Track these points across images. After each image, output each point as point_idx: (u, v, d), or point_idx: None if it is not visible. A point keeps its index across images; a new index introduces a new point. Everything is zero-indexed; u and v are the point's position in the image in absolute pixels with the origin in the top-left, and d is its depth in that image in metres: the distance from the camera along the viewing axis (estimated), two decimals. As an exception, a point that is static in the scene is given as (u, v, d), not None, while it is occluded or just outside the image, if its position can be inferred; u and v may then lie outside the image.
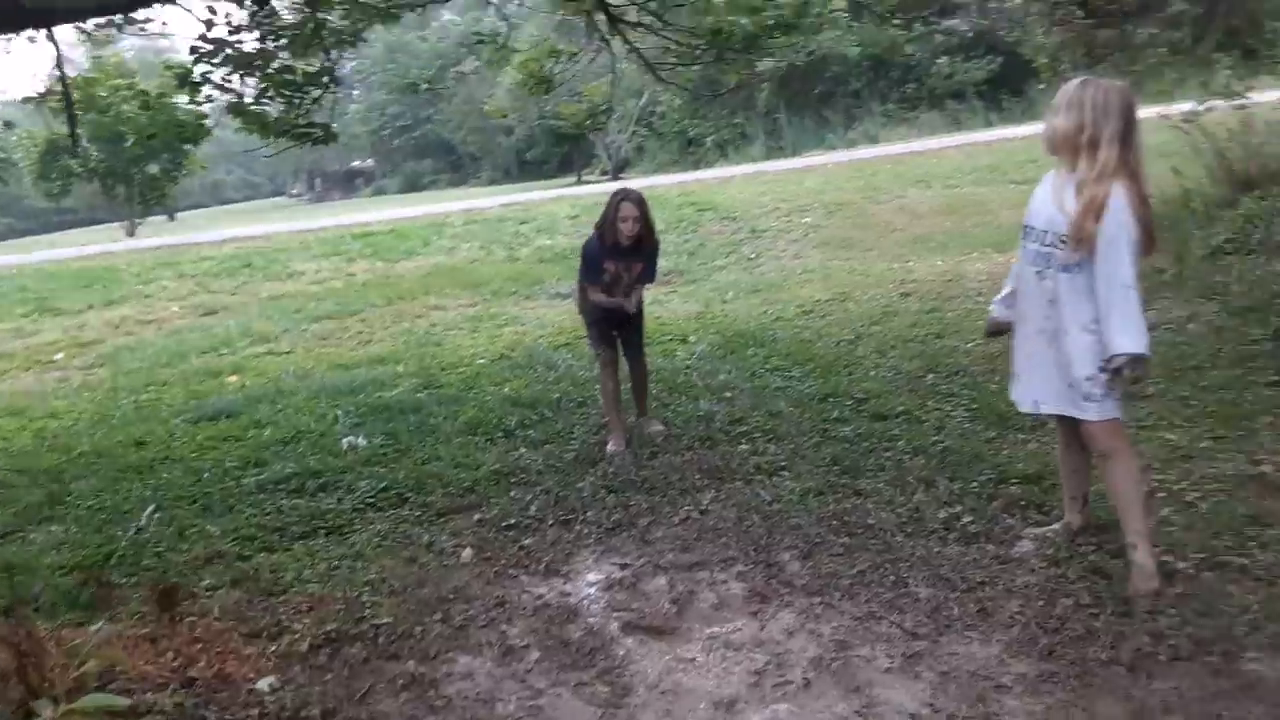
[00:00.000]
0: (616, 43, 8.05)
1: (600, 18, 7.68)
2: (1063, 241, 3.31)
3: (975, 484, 4.34)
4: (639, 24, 7.76)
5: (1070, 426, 3.60)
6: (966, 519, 4.04)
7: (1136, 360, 3.21)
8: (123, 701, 2.49)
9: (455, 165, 49.58)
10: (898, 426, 5.20)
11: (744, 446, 5.17)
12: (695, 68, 8.44)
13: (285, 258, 13.17)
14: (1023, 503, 4.13)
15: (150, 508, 4.84)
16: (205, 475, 5.42)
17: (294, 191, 63.09)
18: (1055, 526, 3.81)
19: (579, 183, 29.31)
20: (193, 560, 4.27)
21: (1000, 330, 3.85)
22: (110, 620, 3.02)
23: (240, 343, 9.36)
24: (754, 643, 3.39)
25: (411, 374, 7.47)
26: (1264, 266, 6.77)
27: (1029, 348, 3.56)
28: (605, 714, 3.06)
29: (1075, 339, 3.32)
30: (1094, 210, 3.20)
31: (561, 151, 35.84)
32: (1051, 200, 3.39)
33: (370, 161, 54.81)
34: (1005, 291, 3.76)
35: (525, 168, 39.21)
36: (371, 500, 4.91)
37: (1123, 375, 3.26)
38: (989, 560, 3.71)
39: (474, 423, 5.96)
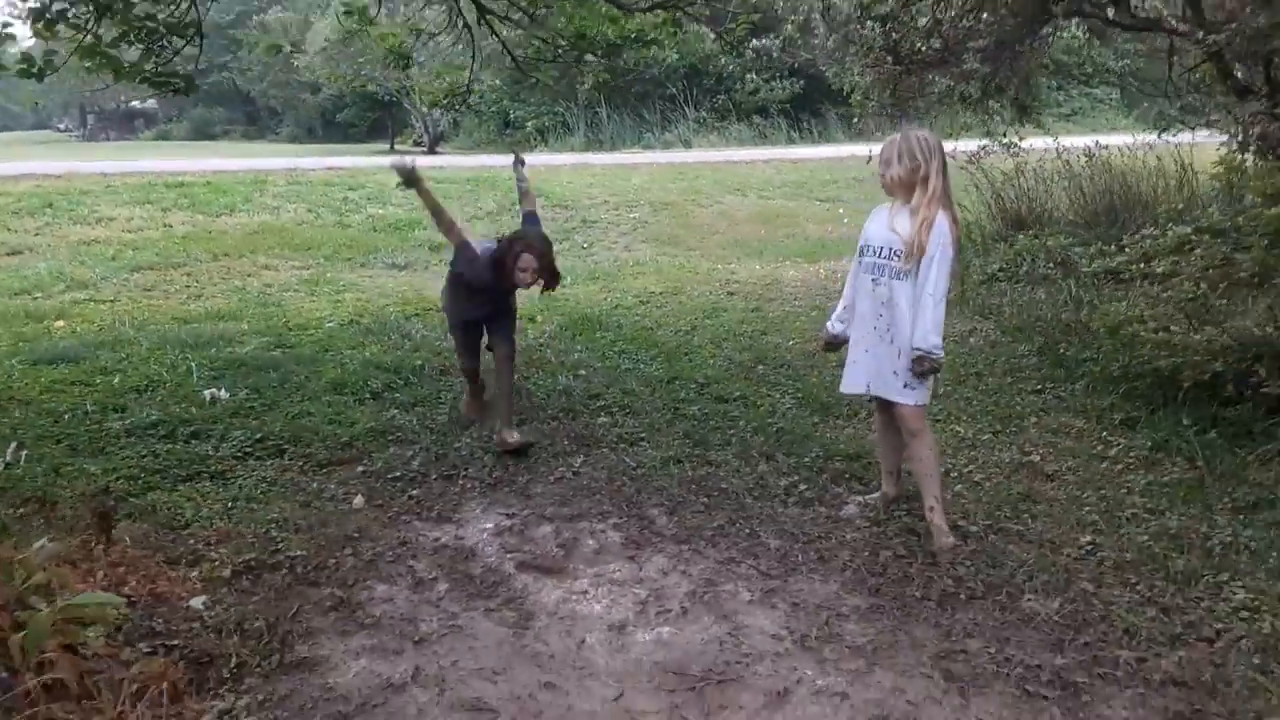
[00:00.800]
0: (481, 29, 8.34)
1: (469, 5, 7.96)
2: (896, 255, 4.09)
3: (807, 459, 5.10)
4: (507, 18, 8.10)
5: (888, 411, 4.40)
6: (803, 487, 4.79)
7: (929, 356, 4.03)
8: (119, 600, 2.70)
9: (251, 117, 46.94)
10: (737, 409, 5.91)
11: (604, 419, 5.72)
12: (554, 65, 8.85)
13: (91, 201, 12.38)
14: (847, 475, 4.93)
15: (14, 444, 4.77)
16: (66, 417, 5.34)
17: (62, 126, 57.43)
18: (875, 495, 4.62)
19: (391, 150, 28.75)
20: (80, 496, 4.31)
21: (836, 345, 4.58)
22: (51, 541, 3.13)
23: (55, 287, 8.89)
24: (634, 580, 3.95)
25: (258, 332, 7.47)
26: (1029, 294, 8.06)
27: (866, 343, 4.30)
28: (515, 633, 3.52)
29: (904, 336, 4.10)
30: (927, 227, 4.00)
31: (373, 117, 34.91)
32: (886, 226, 4.17)
33: (152, 103, 50.77)
34: (839, 310, 4.49)
35: (331, 129, 37.81)
36: (249, 450, 5.07)
37: (915, 369, 4.08)
38: (823, 520, 4.46)
39: (338, 383, 6.15)
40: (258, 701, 2.93)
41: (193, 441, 5.13)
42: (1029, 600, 3.72)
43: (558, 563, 4.10)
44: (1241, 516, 4.23)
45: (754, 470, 4.99)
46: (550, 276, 5.10)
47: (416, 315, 8.12)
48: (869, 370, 4.30)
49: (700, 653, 3.42)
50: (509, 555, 4.12)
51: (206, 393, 5.83)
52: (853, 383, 4.40)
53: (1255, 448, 4.67)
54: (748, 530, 4.35)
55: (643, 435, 5.46)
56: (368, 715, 2.92)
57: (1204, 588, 3.71)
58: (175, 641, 3.12)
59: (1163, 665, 3.25)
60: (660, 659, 3.40)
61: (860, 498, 4.64)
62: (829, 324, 4.53)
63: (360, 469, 4.92)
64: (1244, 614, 3.52)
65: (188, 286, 9.34)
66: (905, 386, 4.16)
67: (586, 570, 4.03)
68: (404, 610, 3.58)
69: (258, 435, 5.22)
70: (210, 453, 4.98)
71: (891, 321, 4.14)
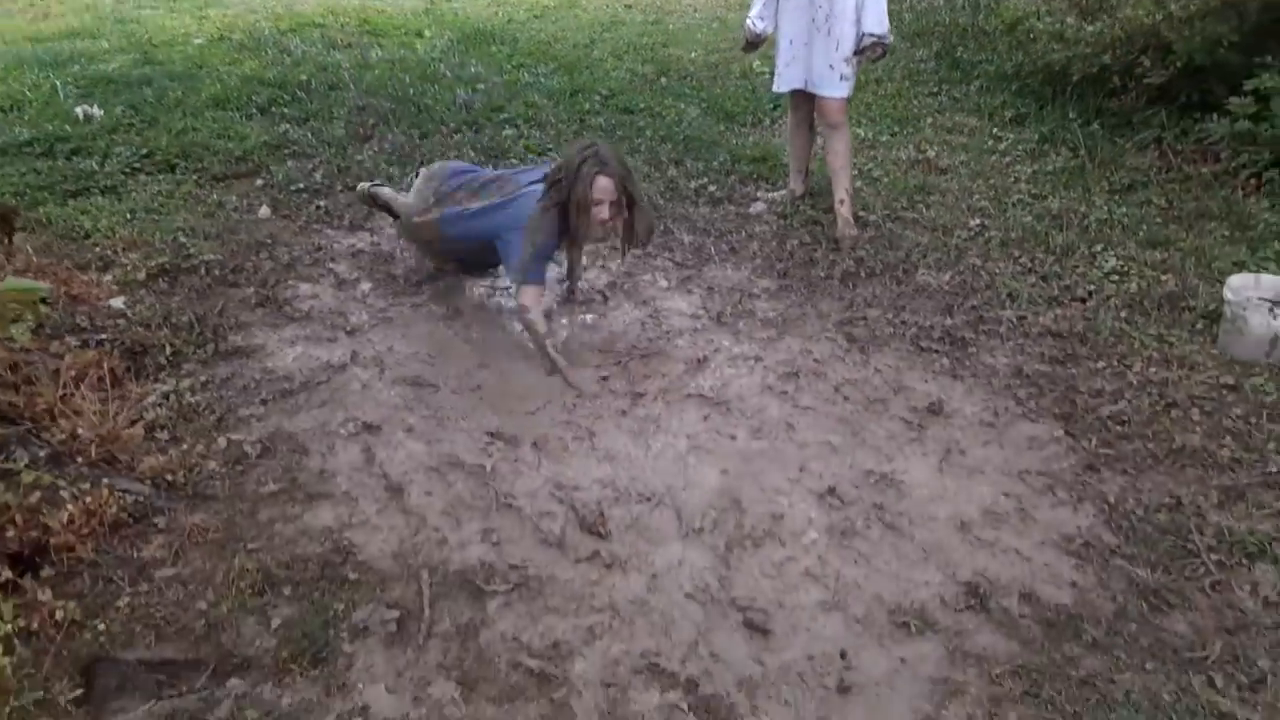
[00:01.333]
0: None
1: None
2: None
3: (715, 163, 5.18)
4: None
5: (805, 108, 4.47)
6: (712, 188, 4.90)
7: (881, 42, 4.08)
8: (44, 287, 2.66)
9: None
10: (643, 119, 5.87)
11: (510, 131, 5.61)
12: None
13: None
14: (754, 176, 5.04)
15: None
16: (-74, 132, 4.94)
17: None
18: (782, 192, 4.77)
19: None
20: (-37, 209, 4.08)
21: (758, 44, 4.50)
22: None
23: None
24: (556, 277, 4.06)
25: (121, 49, 6.88)
26: (927, 1, 8.01)
27: (803, 37, 4.23)
28: (446, 324, 3.64)
29: (844, 28, 4.10)
30: None
31: None
32: None
33: None
34: (758, 8, 4.37)
35: None
36: (137, 165, 4.83)
37: (868, 55, 4.13)
38: (733, 217, 4.61)
39: (219, 99, 5.80)
40: (200, 383, 3.00)
41: (74, 158, 4.84)
42: (923, 275, 4.01)
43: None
44: (1117, 197, 4.57)
45: (664, 175, 5.05)
46: (636, 211, 3.42)
47: (293, 30, 7.57)
48: (806, 65, 4.28)
49: (624, 333, 3.62)
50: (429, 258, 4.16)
51: (78, 110, 5.43)
52: (790, 80, 4.37)
53: (1133, 135, 4.97)
54: (662, 228, 4.46)
55: (550, 146, 5.40)
56: (313, 391, 3.04)
57: (1080, 258, 4.07)
58: (103, 336, 3.12)
59: (1041, 321, 3.62)
60: (586, 339, 3.59)
61: (768, 194, 4.79)
62: (749, 22, 4.43)
63: (260, 182, 4.77)
64: (1114, 277, 3.90)
65: (33, 5, 8.44)
66: (841, 79, 4.21)
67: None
68: (331, 305, 3.64)
69: (144, 151, 4.96)
70: (96, 169, 4.72)
71: (831, 12, 4.11)
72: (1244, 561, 2.52)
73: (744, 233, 4.44)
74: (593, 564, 2.50)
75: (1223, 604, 2.40)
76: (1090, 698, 2.14)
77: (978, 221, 4.43)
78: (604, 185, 3.27)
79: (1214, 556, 2.53)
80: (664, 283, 4.01)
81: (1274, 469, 2.83)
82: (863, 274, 4.05)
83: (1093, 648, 2.27)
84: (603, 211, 3.29)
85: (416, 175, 3.87)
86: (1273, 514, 2.67)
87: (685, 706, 2.10)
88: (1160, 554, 2.54)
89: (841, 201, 4.38)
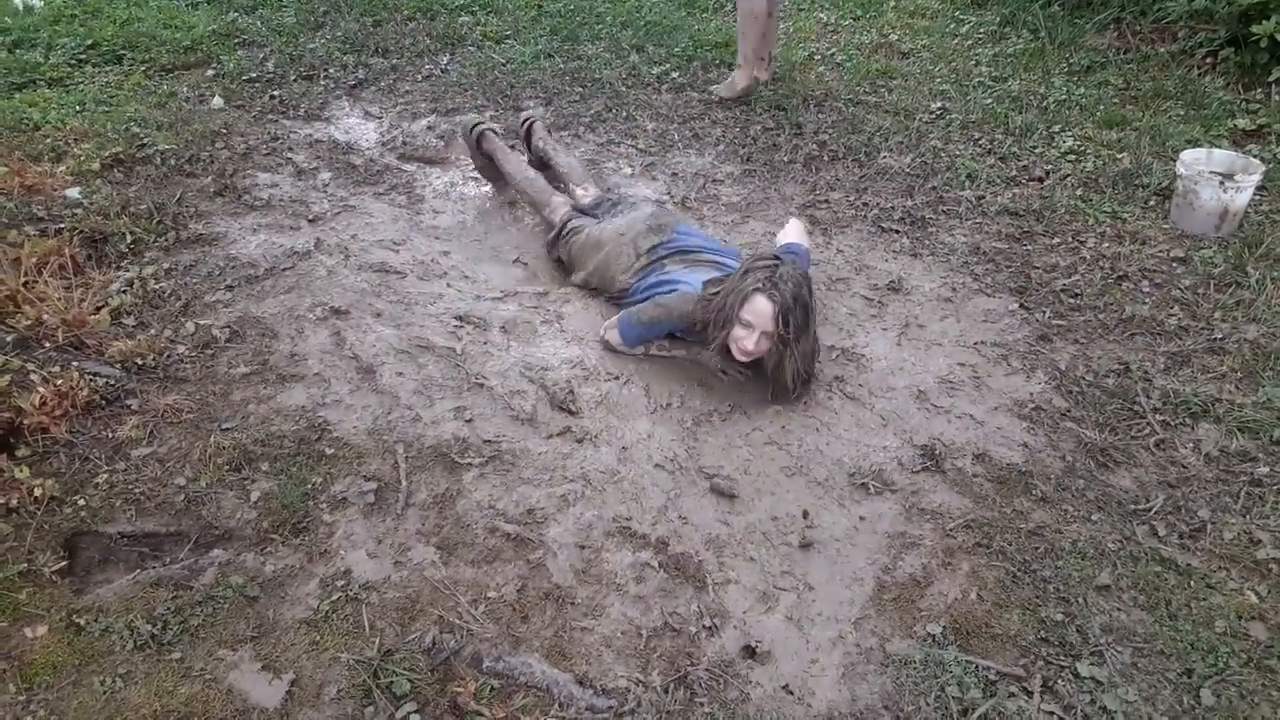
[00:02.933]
0: None
1: None
2: None
3: (677, 49, 5.10)
4: None
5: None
6: (675, 75, 4.84)
7: None
8: (-3, 170, 2.60)
9: None
10: (603, 5, 5.73)
11: (466, 18, 5.48)
12: None
13: None
14: (717, 63, 4.99)
15: None
16: None
17: None
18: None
19: None
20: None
21: None
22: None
23: None
24: (518, 169, 4.03)
25: (52, -64, 6.54)
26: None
27: None
28: (409, 212, 3.61)
29: None
30: None
31: None
32: None
33: None
34: None
35: None
36: (83, 57, 4.67)
37: None
38: (696, 104, 4.57)
39: (163, -13, 5.57)
40: (163, 270, 2.98)
41: (17, 51, 4.65)
42: (884, 157, 4.03)
43: (439, 153, 4.11)
44: (1075, 78, 4.59)
45: (626, 62, 4.97)
46: (787, 355, 2.60)
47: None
48: None
49: (588, 218, 3.62)
50: (388, 148, 4.10)
51: (17, 1, 5.20)
52: None
53: (1092, 16, 4.96)
54: (624, 115, 4.43)
55: (508, 33, 5.29)
56: (279, 277, 3.03)
57: (1038, 138, 4.10)
58: (62, 225, 3.07)
59: (999, 200, 3.67)
60: (551, 225, 3.58)
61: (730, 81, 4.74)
62: None
63: (210, 72, 4.64)
64: (1071, 157, 3.95)
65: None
66: None
67: (465, 160, 4.07)
68: (292, 194, 3.59)
69: (89, 42, 4.77)
70: (41, 61, 4.55)
71: None
72: (1187, 421, 2.64)
73: (708, 119, 4.41)
74: (564, 438, 2.56)
75: (1166, 460, 2.53)
76: (1039, 547, 2.26)
77: (939, 105, 4.43)
78: (760, 309, 2.55)
79: (1159, 417, 2.65)
80: (628, 169, 4.00)
81: (1219, 335, 2.94)
82: (825, 158, 4.06)
83: (1042, 502, 2.39)
84: (746, 340, 2.58)
85: (611, 198, 3.34)
86: (1216, 377, 2.79)
87: (656, 564, 2.20)
88: (1108, 415, 2.66)
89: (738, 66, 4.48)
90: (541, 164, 3.71)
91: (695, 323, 2.71)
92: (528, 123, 3.80)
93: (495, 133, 3.69)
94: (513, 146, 3.77)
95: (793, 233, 3.11)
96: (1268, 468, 2.48)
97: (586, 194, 3.43)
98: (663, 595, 2.12)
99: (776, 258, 2.61)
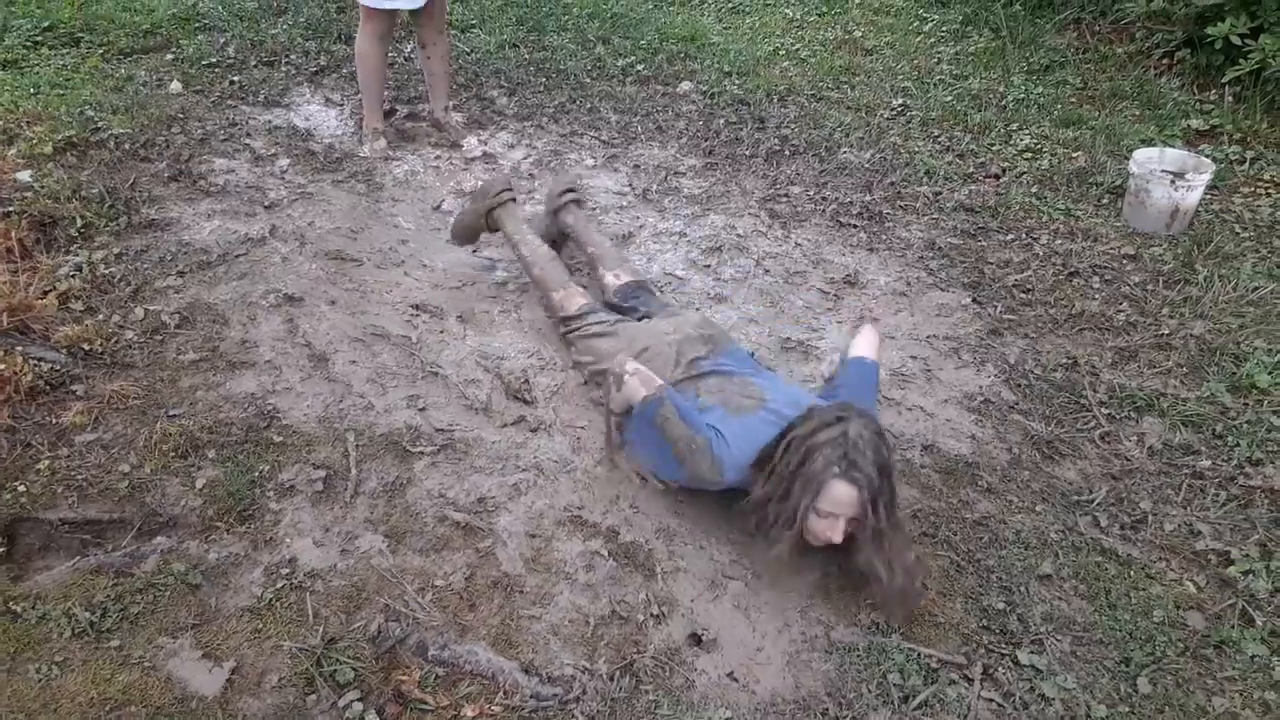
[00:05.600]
0: None
1: None
2: None
3: (644, 42, 5.10)
4: None
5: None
6: (640, 67, 4.84)
7: None
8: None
9: None
10: (570, -5, 5.72)
11: (431, 6, 5.43)
12: None
13: None
14: (682, 56, 4.99)
15: None
16: None
17: None
18: (706, 78, 4.73)
19: None
20: None
21: None
22: None
23: None
24: (483, 158, 4.01)
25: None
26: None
27: None
28: (367, 201, 3.59)
29: None
30: None
31: None
32: None
33: None
34: None
35: None
36: (38, 39, 4.58)
37: None
38: (660, 96, 4.57)
39: (121, -30, 5.48)
40: (114, 255, 2.94)
41: (-32, 32, 4.57)
42: (845, 153, 4.06)
43: (402, 138, 4.09)
44: (1035, 77, 4.65)
45: (591, 53, 4.96)
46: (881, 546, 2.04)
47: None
48: None
49: (549, 208, 3.61)
50: (351, 134, 4.06)
51: (-33, -20, 5.10)
52: None
53: (1052, 16, 5.02)
54: (588, 106, 4.42)
55: (474, 23, 5.25)
56: (232, 264, 3.00)
57: (996, 136, 4.15)
58: (10, 208, 3.02)
59: (955, 196, 3.71)
60: (511, 215, 3.57)
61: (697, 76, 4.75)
62: None
63: (169, 56, 4.57)
64: (1027, 155, 4.00)
65: None
66: None
67: (430, 151, 4.05)
68: (248, 180, 3.55)
69: (45, 24, 4.68)
70: (-8, 41, 4.48)
71: None
72: (1133, 415, 2.69)
73: (671, 112, 4.42)
74: (518, 428, 2.56)
75: (1110, 453, 2.57)
76: (983, 537, 2.29)
77: (900, 101, 4.47)
78: (842, 498, 2.01)
79: (1105, 410, 2.69)
80: (590, 160, 3.99)
81: (1166, 331, 2.99)
82: (786, 152, 4.08)
83: (987, 493, 2.42)
84: (831, 531, 2.04)
85: (645, 290, 2.88)
86: (1162, 372, 2.84)
87: (605, 553, 2.20)
88: (1055, 408, 2.70)
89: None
90: (560, 239, 3.18)
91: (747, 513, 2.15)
92: (569, 197, 3.16)
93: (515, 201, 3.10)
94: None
95: (864, 345, 2.49)
96: (1209, 461, 2.53)
97: (619, 279, 2.90)
98: (612, 583, 2.13)
99: (841, 417, 2.06)
